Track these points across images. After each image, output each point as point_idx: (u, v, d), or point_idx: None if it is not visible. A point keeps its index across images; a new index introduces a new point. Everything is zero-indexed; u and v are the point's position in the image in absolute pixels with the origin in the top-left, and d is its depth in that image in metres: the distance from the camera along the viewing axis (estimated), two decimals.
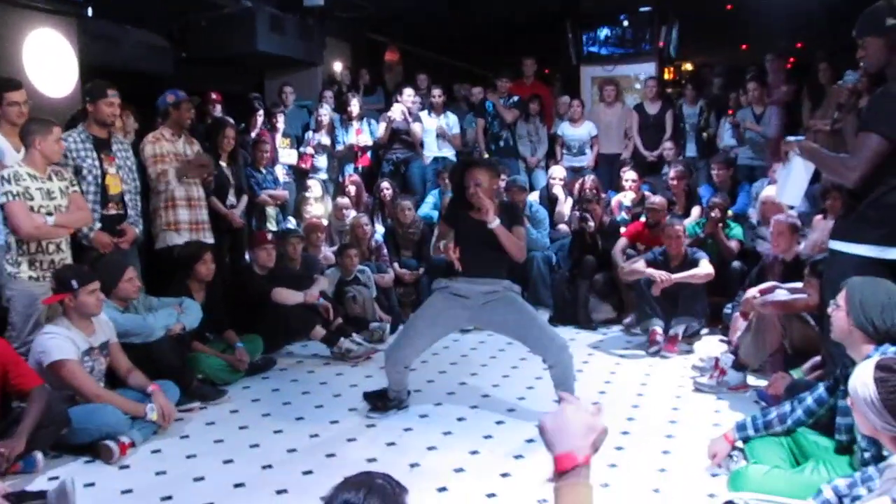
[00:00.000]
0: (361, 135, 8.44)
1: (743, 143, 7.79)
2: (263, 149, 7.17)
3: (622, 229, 6.69)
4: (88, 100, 4.87)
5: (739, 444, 3.24)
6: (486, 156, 8.54)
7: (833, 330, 2.89)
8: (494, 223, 4.09)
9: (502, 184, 6.68)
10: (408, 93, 8.55)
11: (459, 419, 4.31)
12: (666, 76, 12.39)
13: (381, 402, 4.40)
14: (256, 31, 8.44)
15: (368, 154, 8.64)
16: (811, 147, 3.52)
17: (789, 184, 3.69)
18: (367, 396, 4.56)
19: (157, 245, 5.47)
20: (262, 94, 9.13)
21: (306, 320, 5.60)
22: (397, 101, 8.52)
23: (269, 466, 3.72)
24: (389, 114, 8.37)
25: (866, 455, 2.69)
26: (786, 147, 3.63)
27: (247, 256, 6.32)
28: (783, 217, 5.22)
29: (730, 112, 8.12)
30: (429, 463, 3.71)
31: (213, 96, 7.41)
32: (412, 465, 3.68)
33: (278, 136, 7.97)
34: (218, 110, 7.32)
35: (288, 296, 5.60)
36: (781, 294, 4.67)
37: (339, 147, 8.42)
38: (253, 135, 7.64)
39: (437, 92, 8.57)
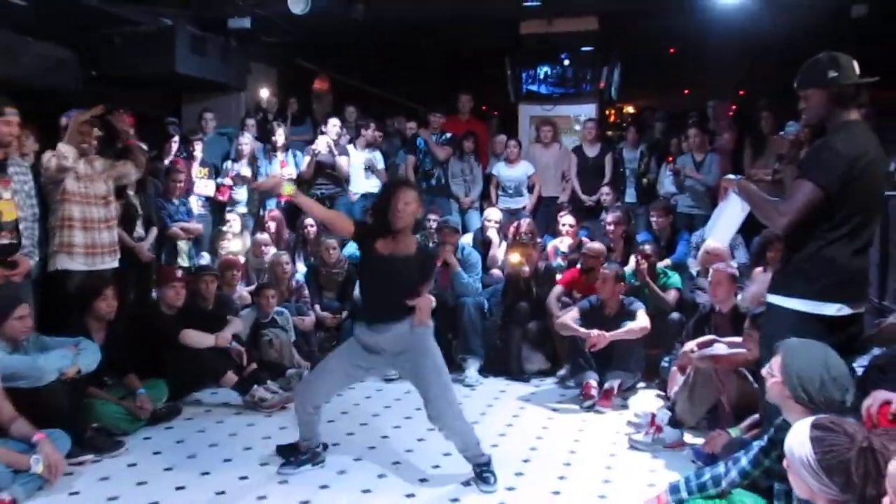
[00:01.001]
0: (286, 167, 8.40)
1: (683, 191, 8.01)
2: (177, 178, 7.08)
3: (558, 276, 6.77)
4: None
5: None
6: None
7: (768, 394, 2.95)
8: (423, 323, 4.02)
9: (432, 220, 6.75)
10: (333, 123, 8.57)
11: (380, 476, 4.25)
12: (607, 118, 12.72)
13: (294, 455, 4.32)
14: (175, 52, 8.38)
15: None
16: (749, 187, 3.63)
17: (721, 222, 3.80)
18: (281, 450, 4.46)
19: (48, 268, 5.32)
20: (179, 119, 9.02)
21: (217, 365, 5.48)
22: (322, 133, 8.53)
23: None
24: (314, 146, 8.37)
25: None
26: (725, 184, 3.75)
27: (154, 294, 6.17)
28: (722, 266, 5.37)
29: (670, 158, 8.34)
30: None
31: (125, 118, 7.26)
32: None
33: (195, 165, 7.87)
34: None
35: (197, 338, 5.48)
36: (720, 348, 4.79)
37: (261, 179, 8.34)
38: (167, 162, 7.52)
39: (370, 125, 8.63)
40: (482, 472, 4.10)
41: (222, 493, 3.99)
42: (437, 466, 4.38)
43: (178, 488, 4.05)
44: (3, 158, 4.81)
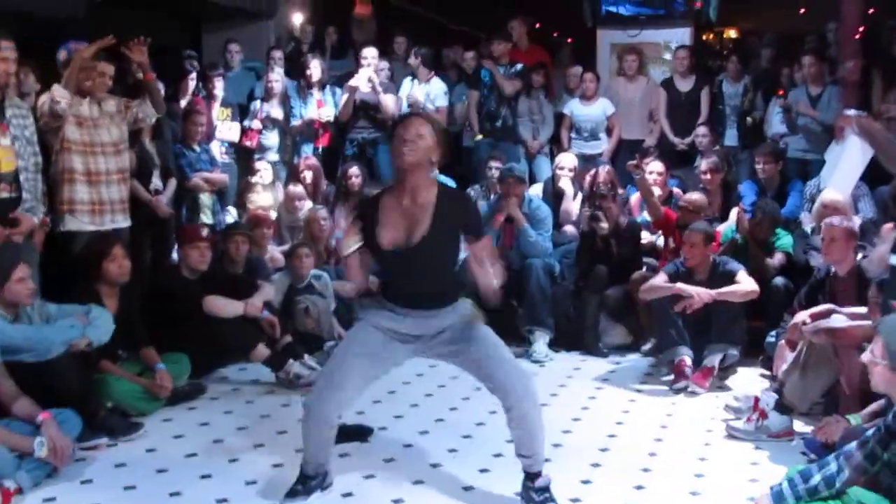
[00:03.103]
0: (323, 107, 8.38)
1: (795, 132, 7.82)
2: (197, 121, 7.12)
3: (644, 233, 6.70)
4: None
5: None
6: (480, 137, 8.54)
7: (874, 382, 2.88)
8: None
9: None
10: (370, 54, 8.42)
11: (434, 465, 4.28)
12: (703, 45, 12.45)
13: (304, 481, 3.92)
14: None
15: (331, 131, 8.59)
16: (871, 126, 3.50)
17: (840, 167, 3.70)
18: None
19: (55, 229, 5.42)
20: (199, 52, 9.07)
21: (246, 337, 5.55)
22: (362, 66, 8.43)
23: None
24: (352, 82, 8.30)
25: None
26: (842, 122, 3.62)
27: (174, 255, 6.26)
28: (837, 220, 5.23)
29: (780, 92, 8.16)
30: None
31: None
32: None
33: (216, 106, 7.91)
34: None
35: (224, 306, 5.55)
36: (839, 320, 4.68)
37: (295, 122, 8.35)
38: (184, 103, 7.57)
39: (413, 62, 8.51)
40: (545, 500, 3.76)
41: (253, 482, 4.06)
42: (499, 455, 4.39)
43: (202, 477, 4.13)
44: None
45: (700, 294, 5.48)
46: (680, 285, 5.57)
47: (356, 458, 4.34)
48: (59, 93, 5.25)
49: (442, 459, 4.36)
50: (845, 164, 3.66)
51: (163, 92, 6.71)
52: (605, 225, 6.44)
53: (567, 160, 7.63)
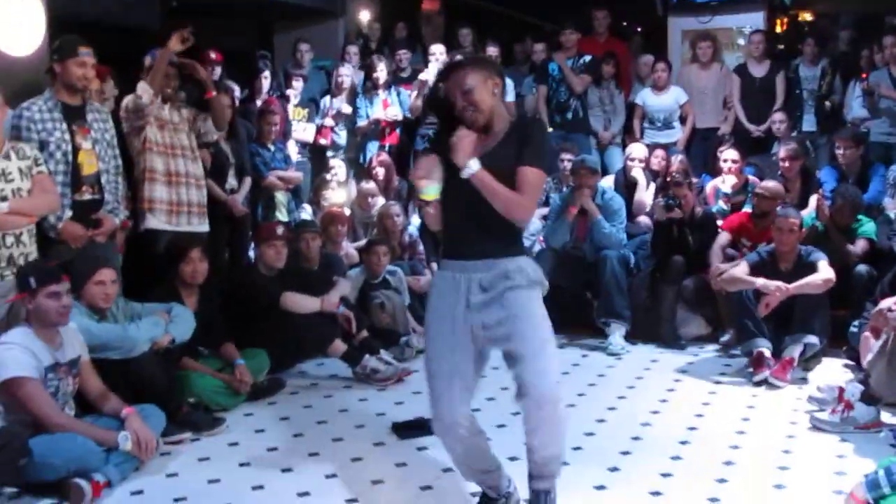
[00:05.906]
0: (389, 107, 8.39)
1: (877, 115, 7.66)
2: (271, 120, 7.19)
3: (720, 221, 6.60)
4: (56, 59, 4.94)
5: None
6: (550, 131, 8.49)
7: None
8: (470, 168, 3.12)
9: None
10: (438, 50, 8.45)
11: (511, 458, 4.24)
12: (778, 29, 12.22)
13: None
14: None
15: (398, 130, 8.60)
16: None
17: None
18: (397, 428, 4.55)
19: (137, 228, 5.55)
20: (271, 53, 9.19)
21: (323, 333, 5.62)
22: (431, 62, 8.45)
23: None
24: (422, 76, 8.32)
25: None
26: None
27: (251, 253, 6.36)
28: None
29: (863, 75, 7.98)
30: None
31: (212, 56, 7.44)
32: None
33: (290, 105, 7.98)
34: (217, 73, 7.35)
35: (301, 302, 5.63)
36: None
37: (361, 122, 8.39)
38: (259, 102, 7.66)
39: (492, 50, 8.50)
40: None
41: (333, 476, 4.11)
42: (577, 448, 4.36)
43: (284, 470, 4.18)
44: (80, 104, 4.99)
45: (780, 290, 5.40)
46: (762, 281, 5.48)
47: (434, 451, 4.33)
48: (141, 87, 5.38)
49: (520, 453, 4.33)
50: None
51: (238, 93, 6.81)
52: (679, 212, 6.35)
53: (637, 151, 7.59)
